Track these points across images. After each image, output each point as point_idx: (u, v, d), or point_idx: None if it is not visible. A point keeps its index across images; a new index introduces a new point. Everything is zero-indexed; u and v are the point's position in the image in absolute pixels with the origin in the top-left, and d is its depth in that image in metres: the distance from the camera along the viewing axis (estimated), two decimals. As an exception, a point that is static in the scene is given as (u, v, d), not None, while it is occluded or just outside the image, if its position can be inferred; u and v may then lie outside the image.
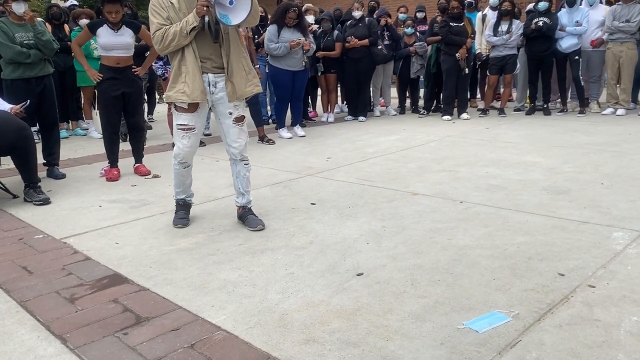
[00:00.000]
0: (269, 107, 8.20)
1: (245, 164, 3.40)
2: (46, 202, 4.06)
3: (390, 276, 2.55)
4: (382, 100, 8.96)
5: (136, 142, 4.99)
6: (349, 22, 7.89)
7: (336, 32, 7.85)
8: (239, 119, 3.28)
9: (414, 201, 3.77)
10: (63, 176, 4.93)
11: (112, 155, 4.84)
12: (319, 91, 8.61)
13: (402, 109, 8.94)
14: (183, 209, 3.53)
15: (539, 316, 2.10)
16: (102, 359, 1.94)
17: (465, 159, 5.05)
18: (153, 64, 6.11)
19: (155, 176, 4.86)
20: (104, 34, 4.48)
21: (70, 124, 7.82)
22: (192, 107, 3.19)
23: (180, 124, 3.23)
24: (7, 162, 5.06)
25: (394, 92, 9.11)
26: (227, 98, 3.19)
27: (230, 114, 3.25)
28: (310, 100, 8.84)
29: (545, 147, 5.41)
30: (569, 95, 8.17)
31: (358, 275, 2.58)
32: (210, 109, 3.34)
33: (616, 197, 3.62)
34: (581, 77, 7.57)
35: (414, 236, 3.07)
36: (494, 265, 2.61)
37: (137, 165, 5.02)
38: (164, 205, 3.96)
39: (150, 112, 9.09)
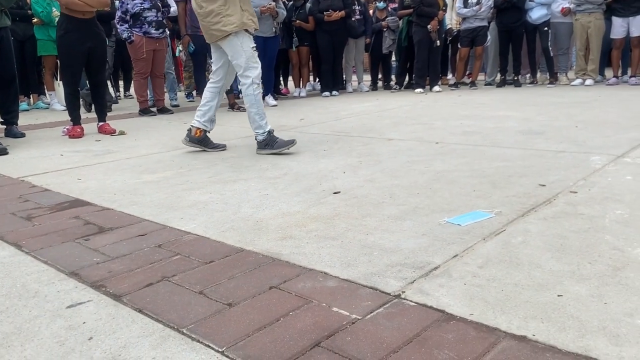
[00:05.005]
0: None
1: None
2: (3, 152, 3.85)
3: (368, 193, 2.45)
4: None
5: (100, 99, 4.80)
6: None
7: (308, 4, 7.74)
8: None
9: (390, 144, 3.69)
10: (22, 135, 4.70)
11: (74, 112, 4.63)
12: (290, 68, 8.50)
13: (374, 86, 8.88)
14: (276, 136, 3.54)
15: (522, 213, 2.04)
16: (61, 258, 1.78)
17: (439, 116, 5.00)
18: (118, 26, 5.92)
19: (122, 133, 4.67)
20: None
21: (31, 98, 7.51)
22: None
23: (253, 46, 3.44)
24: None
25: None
26: None
27: None
28: (282, 77, 8.71)
29: (518, 105, 5.41)
30: (539, 68, 8.25)
31: (335, 193, 2.48)
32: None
33: (591, 135, 3.60)
34: (550, 48, 7.65)
35: (391, 166, 2.99)
36: (473, 182, 2.54)
37: (101, 124, 4.81)
38: (129, 152, 3.79)
39: (128, 87, 8.89)
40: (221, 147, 3.75)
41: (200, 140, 3.69)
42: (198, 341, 1.23)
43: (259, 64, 3.46)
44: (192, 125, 3.70)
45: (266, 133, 3.50)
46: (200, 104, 3.71)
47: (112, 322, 1.33)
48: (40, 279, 1.62)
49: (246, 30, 3.40)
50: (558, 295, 1.37)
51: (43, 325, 1.34)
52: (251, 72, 3.43)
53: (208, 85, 3.70)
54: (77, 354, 1.20)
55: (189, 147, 3.77)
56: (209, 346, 1.21)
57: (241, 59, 3.40)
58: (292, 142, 3.48)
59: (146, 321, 1.33)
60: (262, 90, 3.57)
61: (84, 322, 1.34)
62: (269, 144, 3.49)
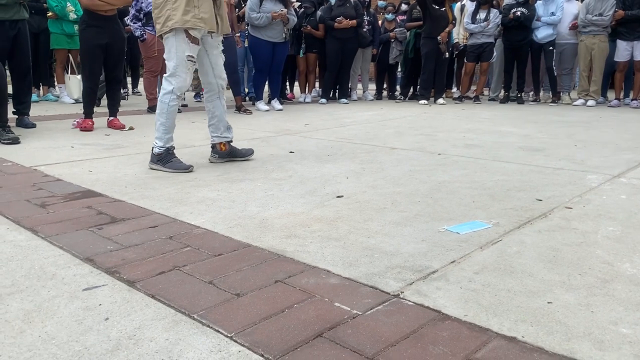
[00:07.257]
0: (246, 85, 8.13)
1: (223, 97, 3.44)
2: (15, 141, 3.94)
3: (371, 198, 2.54)
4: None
5: (114, 93, 4.90)
6: (334, 1, 7.82)
7: (319, 12, 7.84)
8: (222, 51, 3.38)
9: (393, 152, 3.78)
10: (33, 126, 4.79)
11: (89, 106, 4.72)
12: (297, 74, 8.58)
13: (379, 95, 8.99)
14: (175, 155, 3.21)
15: (518, 225, 2.12)
16: (76, 245, 1.87)
17: (442, 128, 5.10)
18: (131, 24, 6.02)
19: (130, 128, 4.76)
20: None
21: (41, 89, 7.61)
22: (198, 40, 3.14)
23: (191, 55, 3.12)
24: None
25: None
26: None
27: (219, 45, 3.33)
28: (288, 82, 8.80)
29: (520, 122, 5.51)
30: (542, 87, 8.36)
31: (338, 197, 2.56)
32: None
33: (589, 154, 3.70)
34: (554, 68, 7.76)
35: (394, 174, 3.07)
36: (473, 193, 2.63)
37: (111, 119, 4.91)
38: (139, 148, 3.88)
39: (136, 85, 8.96)
40: (250, 153, 3.53)
41: (229, 153, 3.44)
42: (208, 326, 1.31)
43: (187, 77, 3.16)
44: (212, 143, 3.45)
45: (164, 148, 3.17)
46: (208, 119, 3.44)
47: (127, 306, 1.41)
48: (57, 263, 1.70)
49: (187, 33, 3.06)
50: (548, 302, 1.45)
51: (62, 305, 1.42)
52: (175, 81, 3.12)
53: (205, 98, 3.41)
54: (95, 332, 1.28)
55: (196, 146, 3.85)
56: (218, 331, 1.29)
57: (171, 62, 3.11)
58: (187, 168, 3.12)
59: (159, 306, 1.41)
60: (179, 104, 3.32)
61: (100, 304, 1.42)
62: (162, 160, 3.15)
